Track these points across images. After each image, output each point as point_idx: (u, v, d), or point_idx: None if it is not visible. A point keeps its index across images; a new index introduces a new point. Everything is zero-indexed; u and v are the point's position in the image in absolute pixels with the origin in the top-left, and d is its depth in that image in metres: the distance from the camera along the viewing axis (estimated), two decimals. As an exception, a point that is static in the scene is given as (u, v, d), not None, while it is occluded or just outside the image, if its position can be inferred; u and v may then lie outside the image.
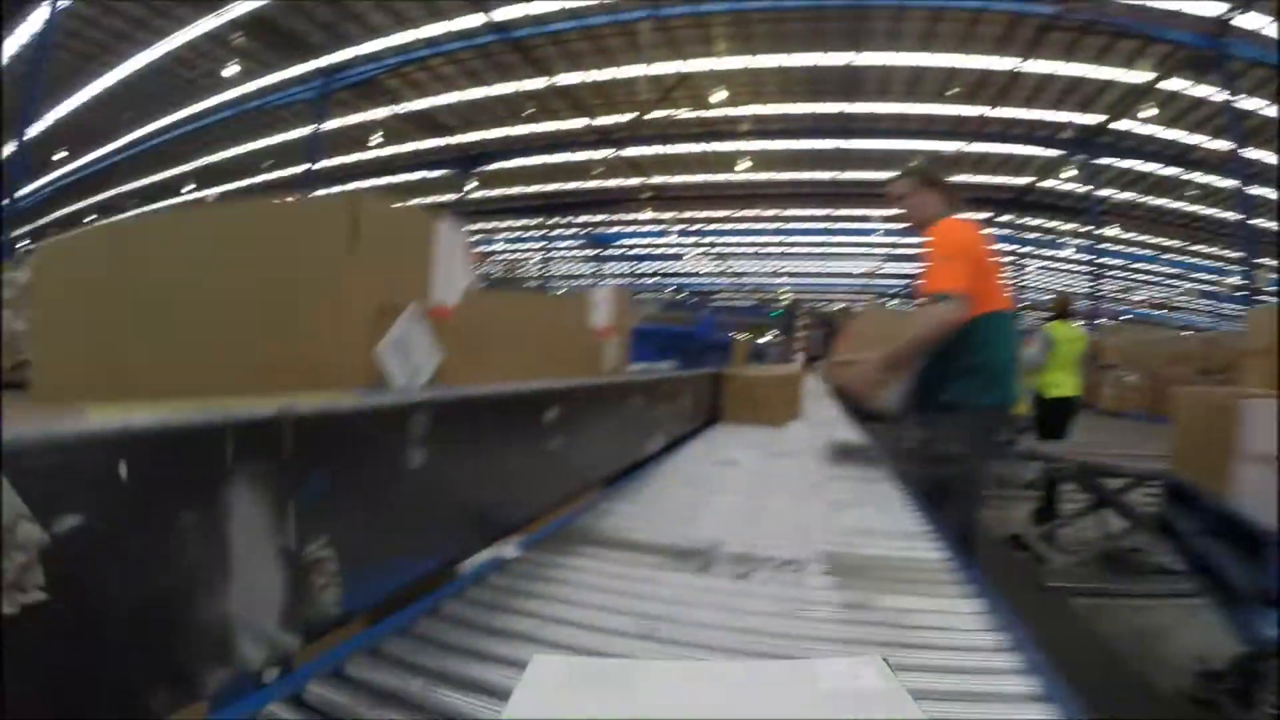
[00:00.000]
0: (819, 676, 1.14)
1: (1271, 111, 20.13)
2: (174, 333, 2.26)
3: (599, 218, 41.89)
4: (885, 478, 3.71)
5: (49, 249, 3.03)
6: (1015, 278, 38.95)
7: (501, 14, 21.48)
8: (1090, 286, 33.51)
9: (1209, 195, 29.17)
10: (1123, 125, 25.07)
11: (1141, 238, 36.49)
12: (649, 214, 39.26)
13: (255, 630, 1.08)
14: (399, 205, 2.59)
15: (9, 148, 17.83)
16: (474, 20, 21.89)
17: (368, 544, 1.36)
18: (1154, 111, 23.67)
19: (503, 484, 2.01)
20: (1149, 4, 19.19)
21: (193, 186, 34.82)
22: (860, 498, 3.18)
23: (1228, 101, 19.93)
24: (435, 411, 1.57)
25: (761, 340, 28.19)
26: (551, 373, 2.84)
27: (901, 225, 4.27)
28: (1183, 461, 4.89)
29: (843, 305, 32.29)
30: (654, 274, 52.71)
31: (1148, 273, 42.37)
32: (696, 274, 52.93)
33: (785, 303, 44.77)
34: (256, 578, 1.09)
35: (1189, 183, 28.33)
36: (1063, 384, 8.84)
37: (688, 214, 39.66)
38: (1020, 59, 21.97)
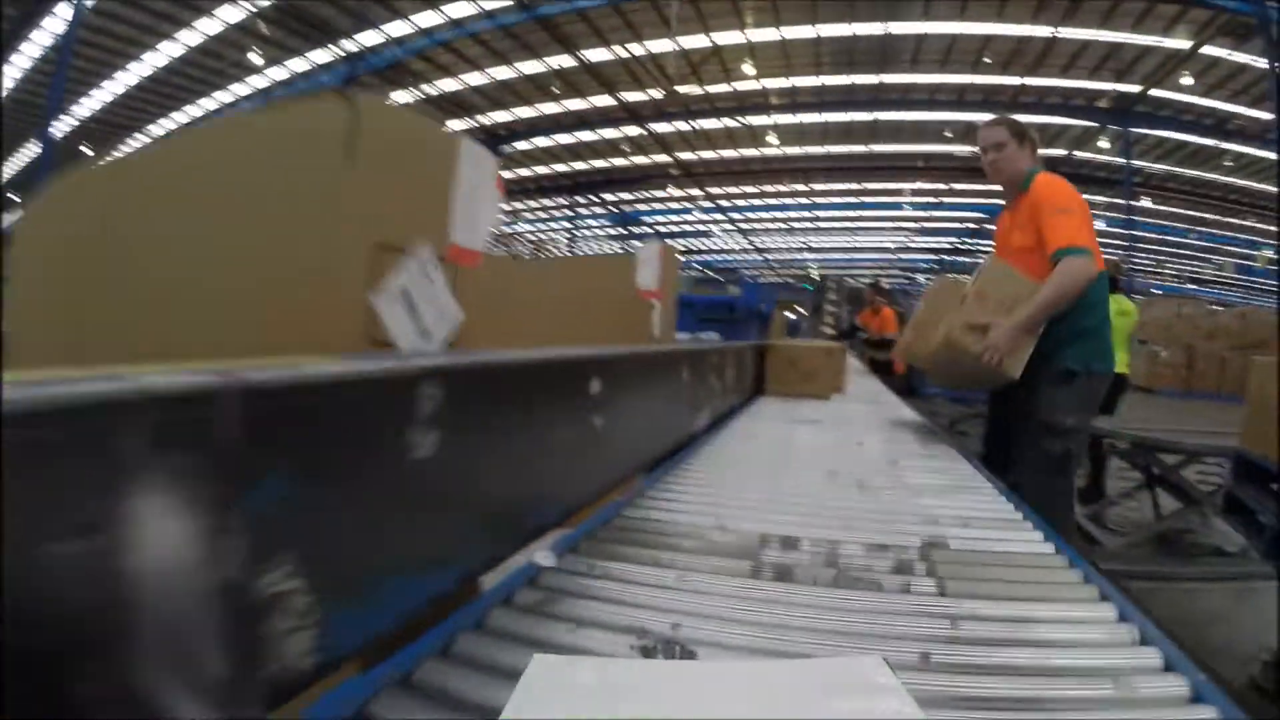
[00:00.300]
0: (820, 676, 1.14)
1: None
2: (153, 291, 1.86)
3: (626, 196, 41.42)
4: (960, 456, 3.38)
5: (39, 206, 2.59)
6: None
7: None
8: (1123, 259, 32.60)
9: (1245, 166, 28.36)
10: (1160, 94, 24.26)
11: (1175, 210, 35.57)
12: (676, 191, 38.74)
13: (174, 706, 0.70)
14: (411, 114, 2.14)
15: (34, 144, 17.57)
16: (502, 1, 21.47)
17: (354, 564, 0.98)
18: (1190, 80, 22.93)
19: (535, 472, 1.65)
20: None
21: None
22: (943, 480, 2.82)
23: (1272, 67, 19.00)
24: (445, 382, 1.18)
25: (794, 315, 27.69)
26: (594, 340, 2.45)
27: (988, 177, 4.02)
28: (1254, 436, 4.69)
29: (871, 280, 31.64)
30: (682, 251, 51.84)
31: (1181, 246, 41.43)
32: (725, 251, 52.43)
33: (814, 278, 44.25)
34: (179, 626, 0.71)
35: (1226, 153, 27.47)
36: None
37: (716, 190, 38.96)
38: (1056, 25, 21.30)
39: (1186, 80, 22.92)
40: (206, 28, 21.99)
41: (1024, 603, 1.60)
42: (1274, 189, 27.47)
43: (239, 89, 26.18)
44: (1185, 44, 21.11)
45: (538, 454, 1.64)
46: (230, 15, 21.34)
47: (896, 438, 4.11)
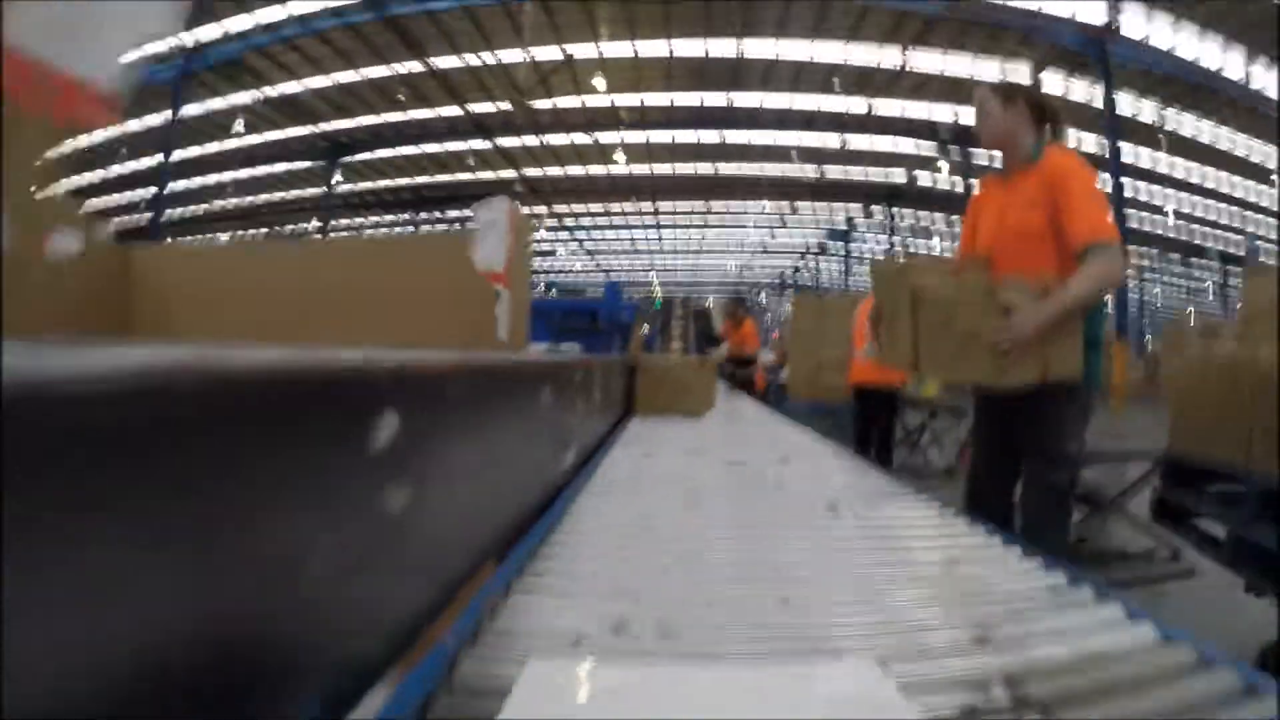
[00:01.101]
0: (815, 679, 1.09)
1: (1145, 114, 20.35)
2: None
3: (470, 213, 39.71)
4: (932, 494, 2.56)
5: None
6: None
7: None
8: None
9: None
10: None
11: None
12: (522, 208, 37.63)
13: None
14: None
15: None
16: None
17: None
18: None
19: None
20: (1035, 5, 19.21)
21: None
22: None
23: (1107, 100, 19.80)
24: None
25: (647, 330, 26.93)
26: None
27: (983, 141, 3.33)
28: (1181, 436, 4.51)
29: (734, 293, 31.35)
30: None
31: None
32: (570, 271, 51.65)
33: (660, 297, 44.11)
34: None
35: None
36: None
37: (562, 209, 38.25)
38: (904, 54, 21.52)
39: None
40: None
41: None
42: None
43: None
44: (1024, 71, 21.40)
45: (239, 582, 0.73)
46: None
47: (816, 456, 3.19)
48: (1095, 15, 18.98)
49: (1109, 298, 6.98)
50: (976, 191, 3.65)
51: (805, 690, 1.04)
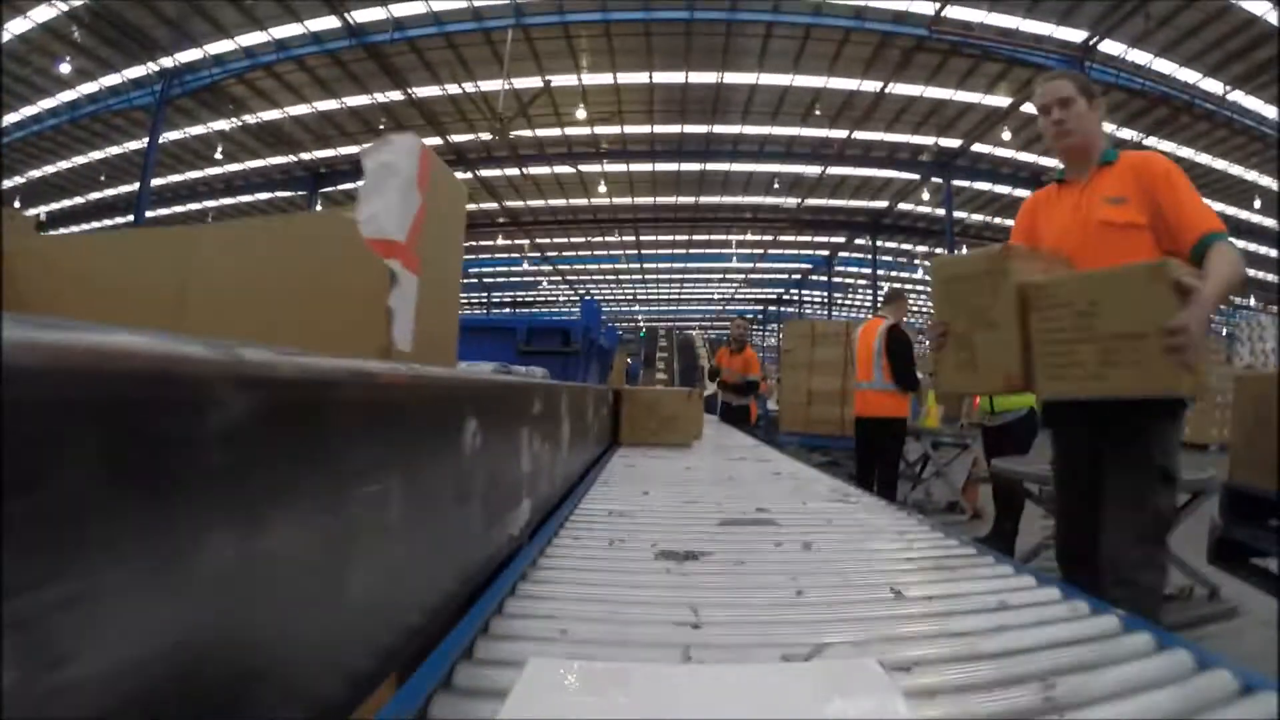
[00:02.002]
0: (815, 679, 1.08)
1: (1126, 135, 20.32)
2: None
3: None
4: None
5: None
6: (875, 298, 38.65)
7: (360, 15, 19.22)
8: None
9: None
10: (981, 148, 24.74)
11: None
12: (503, 239, 37.14)
13: None
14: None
15: None
16: (329, 22, 19.42)
17: None
18: (1009, 135, 23.34)
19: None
20: (1016, 27, 18.93)
21: (15, 206, 29.80)
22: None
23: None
24: None
25: (630, 361, 26.19)
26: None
27: (1050, 140, 3.03)
28: (1246, 466, 3.83)
29: (739, 314, 30.83)
30: (510, 304, 50.22)
31: None
32: (552, 304, 50.94)
33: (644, 327, 43.62)
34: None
35: None
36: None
37: (544, 240, 37.70)
38: (886, 81, 21.04)
39: (1005, 135, 23.14)
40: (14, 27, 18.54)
41: None
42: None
43: (45, 102, 22.50)
44: (1006, 100, 21.39)
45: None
46: (41, 14, 18.17)
47: (845, 513, 2.41)
48: (1075, 35, 18.73)
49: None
50: (1033, 196, 3.31)
51: (805, 690, 1.02)
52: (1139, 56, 19.08)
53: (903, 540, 2.01)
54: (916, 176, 27.09)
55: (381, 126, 24.94)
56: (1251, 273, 29.80)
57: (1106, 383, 2.33)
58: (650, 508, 2.40)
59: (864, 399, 6.77)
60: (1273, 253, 27.75)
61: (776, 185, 29.27)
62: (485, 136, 23.63)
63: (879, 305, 7.33)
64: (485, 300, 47.97)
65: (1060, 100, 2.94)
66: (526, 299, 49.70)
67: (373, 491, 0.89)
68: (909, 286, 41.41)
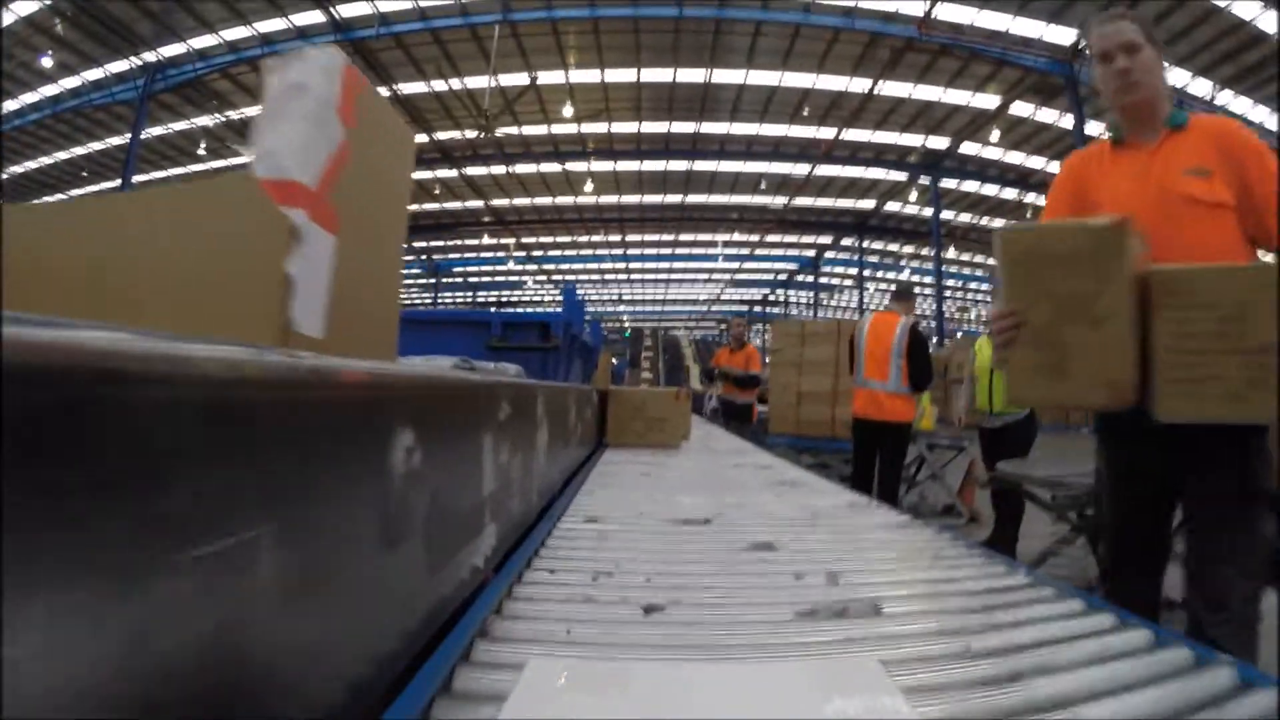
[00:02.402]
0: (816, 678, 1.04)
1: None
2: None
3: (437, 243, 38.79)
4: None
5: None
6: (862, 299, 38.46)
7: (345, 10, 18.97)
8: (932, 307, 32.78)
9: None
10: (968, 150, 24.57)
11: (978, 259, 36.63)
12: (490, 239, 36.74)
13: None
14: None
15: None
16: (315, 17, 19.12)
17: None
18: (997, 136, 23.19)
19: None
20: (1006, 28, 18.71)
21: (-3, 201, 29.14)
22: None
23: (1079, 125, 19.25)
24: None
25: (616, 361, 25.77)
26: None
27: (1109, 94, 2.50)
28: None
29: (736, 312, 30.57)
30: (495, 304, 49.63)
31: (983, 292, 42.59)
32: (537, 304, 50.40)
33: (629, 327, 43.32)
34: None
35: (1027, 205, 27.88)
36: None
37: (530, 240, 37.32)
38: (874, 81, 20.79)
39: (994, 136, 22.94)
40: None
41: None
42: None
43: (27, 96, 22.09)
44: (995, 100, 21.24)
45: None
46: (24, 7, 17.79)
47: (877, 532, 2.04)
48: (1065, 36, 18.54)
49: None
50: (1077, 156, 2.70)
51: (806, 690, 0.99)
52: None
53: (943, 564, 1.67)
54: (904, 177, 26.90)
55: (365, 121, 24.57)
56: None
57: (1248, 406, 1.85)
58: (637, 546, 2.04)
59: (873, 400, 6.28)
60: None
61: (764, 185, 29.01)
62: (471, 134, 23.26)
63: (887, 301, 6.84)
64: (470, 300, 47.50)
65: (1125, 46, 2.41)
66: (512, 299, 49.20)
67: (220, 550, 0.56)
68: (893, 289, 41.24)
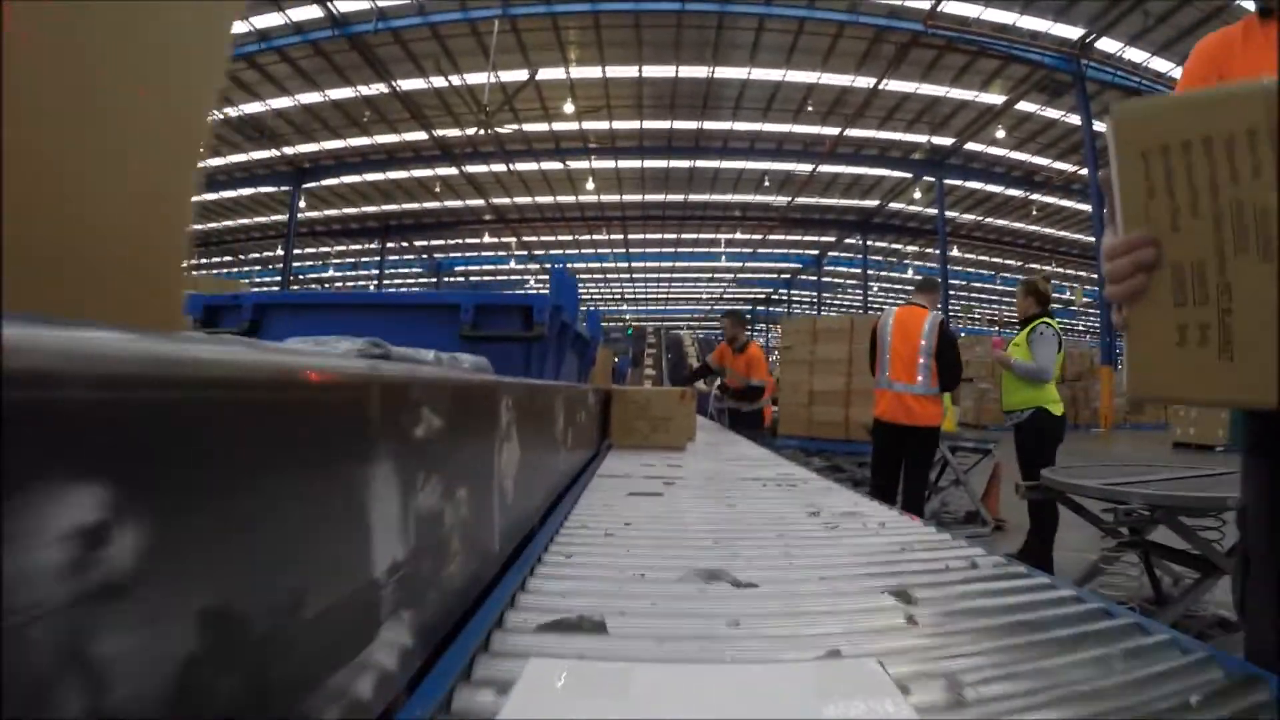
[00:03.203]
0: (815, 679, 0.98)
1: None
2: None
3: (438, 242, 38.46)
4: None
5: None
6: (866, 298, 38.06)
7: (343, 5, 18.44)
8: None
9: (1050, 215, 29.05)
10: (973, 147, 24.20)
11: (982, 257, 36.38)
12: (490, 237, 36.32)
13: None
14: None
15: None
16: (312, 12, 18.62)
17: None
18: (1003, 134, 22.83)
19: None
20: (1013, 22, 18.36)
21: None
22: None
23: (1085, 122, 18.98)
24: None
25: (618, 359, 25.22)
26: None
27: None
28: None
29: (731, 310, 30.15)
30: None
31: (986, 291, 42.51)
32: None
33: (631, 325, 42.87)
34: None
35: (1033, 203, 27.75)
36: (1061, 398, 6.06)
37: (531, 239, 36.97)
38: (879, 78, 20.32)
39: (999, 133, 22.58)
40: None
41: None
42: (1077, 236, 29.92)
43: None
44: (1001, 98, 20.88)
45: None
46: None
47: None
48: (1072, 32, 18.18)
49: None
50: (1216, 38, 1.92)
51: (806, 690, 0.95)
52: (1135, 54, 18.48)
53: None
54: (909, 175, 26.52)
55: (365, 119, 24.28)
56: None
57: None
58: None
59: (901, 404, 5.58)
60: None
61: (767, 183, 28.66)
62: (471, 131, 22.75)
63: (909, 296, 6.04)
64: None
65: None
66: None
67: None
68: (897, 288, 40.89)
